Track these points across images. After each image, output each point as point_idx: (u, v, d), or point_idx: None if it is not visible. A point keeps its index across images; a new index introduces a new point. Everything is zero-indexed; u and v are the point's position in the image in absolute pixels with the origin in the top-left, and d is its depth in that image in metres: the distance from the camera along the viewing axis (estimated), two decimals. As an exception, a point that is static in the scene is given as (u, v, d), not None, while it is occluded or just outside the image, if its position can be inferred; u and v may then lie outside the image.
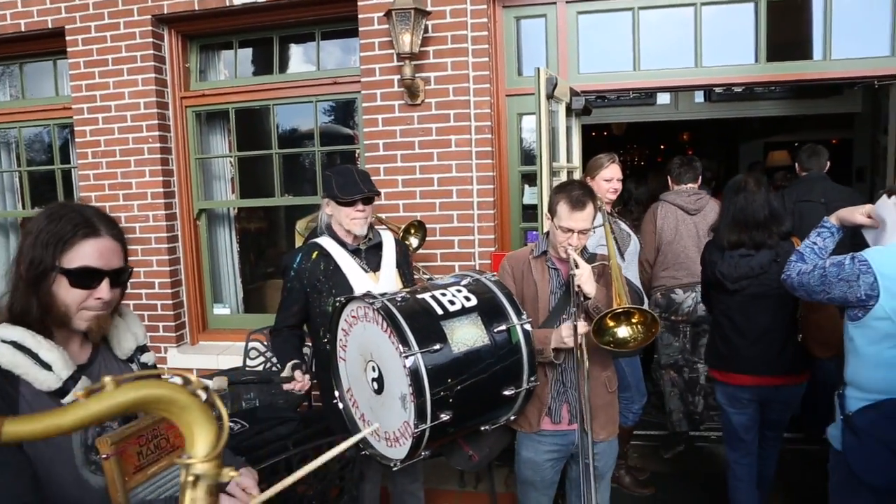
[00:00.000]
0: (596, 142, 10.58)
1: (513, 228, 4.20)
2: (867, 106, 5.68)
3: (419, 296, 2.20)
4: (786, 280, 2.41)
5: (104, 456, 1.35)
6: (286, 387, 2.47)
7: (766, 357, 2.84)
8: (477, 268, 3.92)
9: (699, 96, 6.13)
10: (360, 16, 4.00)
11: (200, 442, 0.87)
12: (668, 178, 4.43)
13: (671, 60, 4.08)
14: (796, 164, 4.60)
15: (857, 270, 2.11)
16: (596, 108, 4.41)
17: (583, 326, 2.34)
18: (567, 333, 2.37)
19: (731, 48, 4.06)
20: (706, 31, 4.02)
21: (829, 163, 4.50)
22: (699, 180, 4.36)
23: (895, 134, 3.90)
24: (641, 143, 11.20)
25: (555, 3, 4.11)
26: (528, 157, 4.18)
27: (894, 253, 2.12)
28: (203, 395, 0.91)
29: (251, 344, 4.04)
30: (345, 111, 4.76)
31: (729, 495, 3.18)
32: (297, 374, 2.45)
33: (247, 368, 3.84)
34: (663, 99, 6.21)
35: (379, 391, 2.19)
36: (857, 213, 2.33)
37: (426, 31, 3.85)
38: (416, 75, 3.88)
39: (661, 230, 4.16)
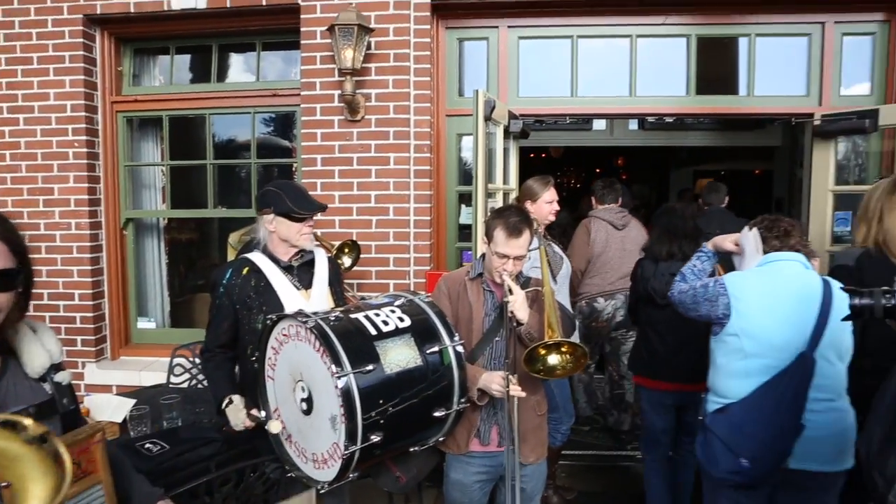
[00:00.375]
0: (534, 164, 10.79)
1: (449, 248, 4.22)
2: (786, 140, 6.01)
3: (353, 315, 2.17)
4: (670, 297, 2.62)
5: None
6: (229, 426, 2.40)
7: (687, 366, 3.10)
8: (412, 286, 3.92)
9: (633, 124, 6.35)
10: (302, 29, 3.96)
11: (33, 498, 0.77)
12: (593, 198, 4.87)
13: (607, 89, 4.21)
14: (700, 199, 5.00)
15: (717, 292, 2.36)
16: (534, 132, 4.49)
17: (515, 390, 2.25)
18: (498, 387, 2.35)
19: (664, 80, 4.22)
20: (641, 63, 4.18)
21: (727, 197, 5.14)
22: (619, 201, 4.83)
23: (809, 168, 4.13)
24: (578, 167, 11.47)
25: (497, 27, 4.19)
26: (466, 177, 4.21)
27: (746, 278, 2.37)
28: (42, 442, 0.80)
29: (176, 360, 3.88)
30: (284, 124, 4.69)
31: (645, 493, 3.47)
32: (252, 413, 2.35)
33: (171, 386, 3.69)
34: (599, 125, 6.40)
35: (308, 412, 2.14)
36: (727, 241, 2.57)
37: (369, 47, 3.85)
38: (358, 91, 3.87)
39: (594, 242, 4.58)
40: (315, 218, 2.65)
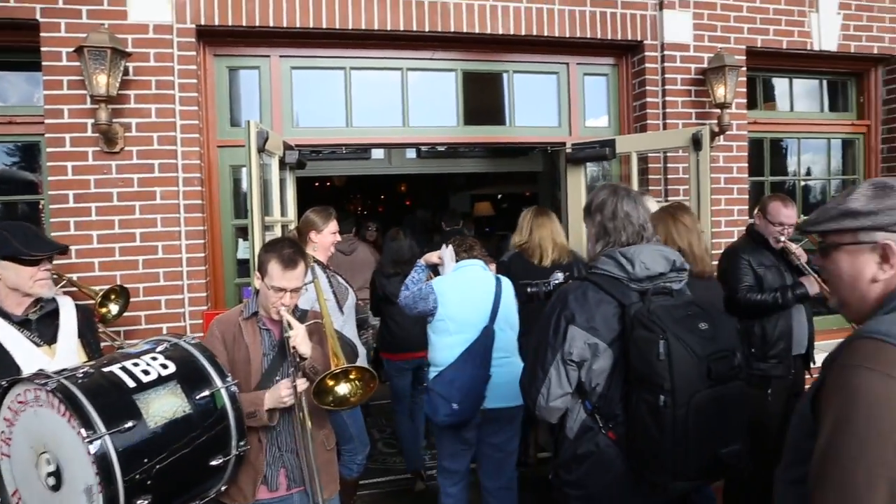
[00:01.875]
0: (318, 192, 10.73)
1: (227, 284, 4.01)
2: (547, 166, 6.65)
3: (106, 368, 1.95)
4: (399, 301, 3.33)
5: None
6: None
7: (417, 340, 3.98)
8: (188, 329, 3.65)
9: (411, 152, 6.60)
10: (43, 49, 3.52)
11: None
12: None
13: (382, 119, 4.33)
14: (442, 223, 6.13)
15: (427, 291, 3.19)
16: (312, 161, 4.47)
17: (302, 383, 2.32)
18: (286, 392, 2.32)
19: (436, 111, 4.46)
20: (413, 94, 4.36)
21: (462, 221, 6.06)
22: (353, 230, 5.79)
23: (566, 190, 4.61)
24: (363, 194, 11.64)
25: (268, 56, 4.11)
26: (243, 209, 4.05)
27: (445, 279, 3.28)
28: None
29: None
30: (26, 155, 4.12)
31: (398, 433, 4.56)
32: None
33: None
34: (378, 154, 6.56)
35: (57, 487, 1.87)
36: (433, 256, 3.45)
37: (126, 73, 3.55)
38: (115, 120, 3.54)
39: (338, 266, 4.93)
40: (64, 262, 2.36)
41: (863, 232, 1.26)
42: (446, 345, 3.15)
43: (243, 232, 3.99)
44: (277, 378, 2.44)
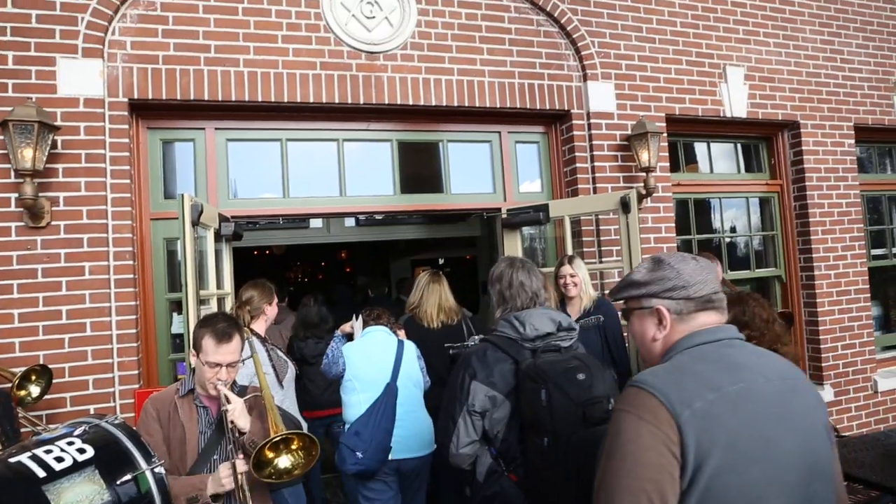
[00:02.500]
0: (258, 261, 10.60)
1: (161, 361, 3.87)
2: (484, 230, 6.79)
3: (13, 459, 1.81)
4: (321, 368, 3.65)
5: None
6: None
7: (331, 398, 4.37)
8: (118, 409, 3.48)
9: (350, 220, 6.63)
10: (-36, 124, 3.44)
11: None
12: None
13: (319, 189, 4.36)
14: (368, 290, 6.45)
15: (338, 355, 3.54)
16: (250, 231, 4.44)
17: (241, 465, 2.25)
18: (226, 474, 2.25)
19: (373, 180, 4.52)
20: (349, 164, 4.43)
21: (388, 287, 6.39)
22: (285, 300, 5.86)
23: (502, 253, 4.71)
24: (303, 262, 11.54)
25: (203, 129, 4.12)
26: (178, 282, 3.96)
27: (353, 344, 3.65)
28: None
29: None
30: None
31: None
32: None
33: None
34: (316, 223, 6.56)
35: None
36: (346, 327, 3.83)
37: (54, 146, 3.49)
38: (41, 195, 3.45)
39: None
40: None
41: (644, 299, 1.52)
42: (355, 402, 3.47)
43: (178, 306, 3.89)
44: (215, 457, 2.36)
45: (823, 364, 5.38)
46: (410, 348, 3.63)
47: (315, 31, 4.14)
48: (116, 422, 2.10)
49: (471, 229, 6.66)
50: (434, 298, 4.12)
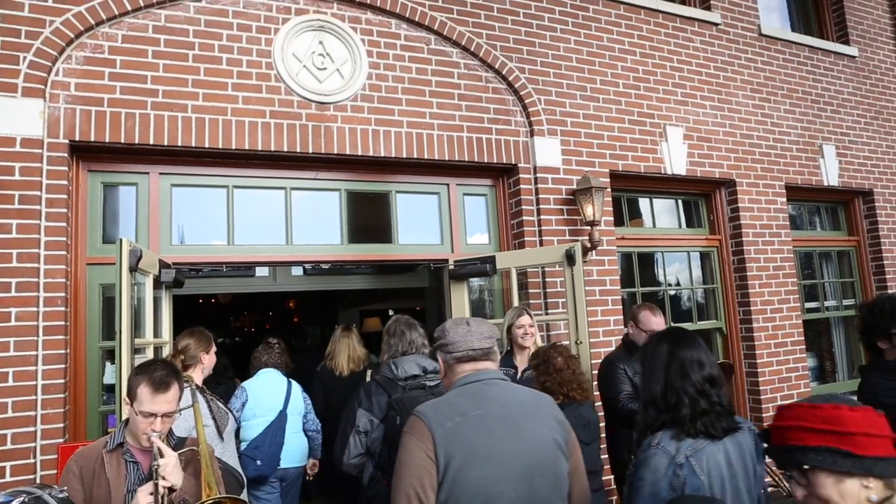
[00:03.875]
0: (203, 310, 10.31)
1: (90, 413, 3.68)
2: (432, 281, 6.80)
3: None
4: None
5: None
6: None
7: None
8: (38, 466, 3.27)
9: (297, 269, 6.53)
10: None
11: None
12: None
13: (265, 237, 4.30)
14: (292, 341, 6.75)
15: (239, 393, 4.37)
16: (195, 279, 4.32)
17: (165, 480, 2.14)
18: (145, 495, 2.12)
19: (320, 229, 4.49)
20: (297, 213, 4.39)
21: (309, 338, 6.97)
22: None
23: (450, 304, 4.70)
24: (250, 310, 11.28)
25: (147, 172, 4.04)
26: (114, 330, 3.79)
27: (255, 380, 4.48)
28: None
29: None
30: None
31: None
32: None
33: None
34: (262, 271, 6.44)
35: None
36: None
37: (-14, 187, 3.36)
38: (-32, 238, 3.30)
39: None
40: None
41: (438, 351, 2.14)
42: (254, 425, 4.28)
43: (112, 354, 3.72)
44: (141, 519, 2.23)
45: (764, 414, 5.50)
46: (297, 386, 4.56)
47: (266, 80, 4.16)
48: (60, 496, 1.95)
49: (419, 280, 6.64)
50: (343, 348, 5.03)
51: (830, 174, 6.42)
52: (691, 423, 1.91)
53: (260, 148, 4.06)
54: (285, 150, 4.12)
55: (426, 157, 4.50)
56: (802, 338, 5.91)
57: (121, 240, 3.18)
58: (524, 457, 1.88)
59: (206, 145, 3.93)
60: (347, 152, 4.28)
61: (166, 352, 3.70)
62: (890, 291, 6.54)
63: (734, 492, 1.89)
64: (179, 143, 3.86)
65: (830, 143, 6.49)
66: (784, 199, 6.07)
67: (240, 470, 3.46)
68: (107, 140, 3.72)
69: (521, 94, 4.85)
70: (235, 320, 11.86)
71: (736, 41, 6.08)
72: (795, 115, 6.30)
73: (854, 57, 6.92)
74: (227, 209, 4.21)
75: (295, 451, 4.41)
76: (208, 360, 3.53)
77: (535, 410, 2.00)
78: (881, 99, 7.07)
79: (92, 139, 3.69)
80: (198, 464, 2.35)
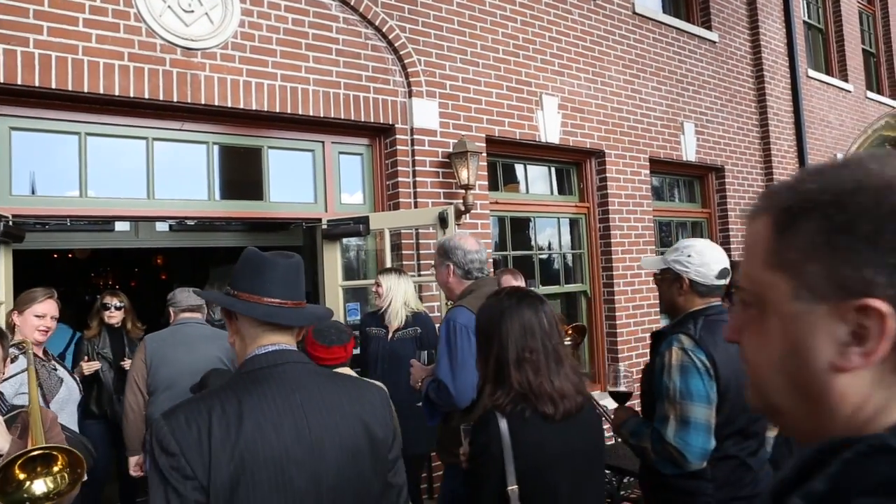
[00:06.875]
0: (57, 265, 9.56)
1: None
2: (307, 241, 6.67)
3: None
4: None
5: None
6: None
7: None
8: None
9: (162, 225, 6.17)
10: None
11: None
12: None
13: (123, 190, 4.02)
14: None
15: None
16: (43, 233, 3.98)
17: None
18: None
19: (186, 184, 4.25)
20: (159, 165, 4.12)
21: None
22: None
23: (322, 264, 4.64)
24: (114, 267, 10.59)
25: (-20, 113, 3.63)
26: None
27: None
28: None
29: None
30: None
31: None
32: None
33: None
34: (123, 226, 6.02)
35: None
36: None
37: None
38: None
39: None
40: None
41: None
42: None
43: (-62, 314, 3.37)
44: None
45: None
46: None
47: (124, 17, 3.82)
48: None
49: (292, 239, 6.46)
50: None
51: (689, 150, 6.89)
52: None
53: (117, 93, 3.75)
54: (146, 96, 3.84)
55: (301, 112, 4.35)
56: (657, 302, 6.38)
57: (-54, 187, 2.86)
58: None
59: (53, 86, 3.57)
60: (216, 103, 4.05)
61: (3, 311, 3.39)
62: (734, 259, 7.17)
63: None
64: (19, 82, 3.48)
65: (690, 120, 6.95)
66: (647, 172, 6.45)
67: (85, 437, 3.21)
68: (-70, 74, 3.30)
69: (401, 53, 4.79)
70: (97, 277, 11.11)
71: (611, 17, 6.31)
72: (661, 93, 6.67)
73: (715, 42, 7.40)
74: (79, 158, 3.88)
75: None
76: (22, 321, 3.17)
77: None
78: (735, 83, 7.64)
79: (-89, 72, 3.26)
80: (27, 424, 2.19)
